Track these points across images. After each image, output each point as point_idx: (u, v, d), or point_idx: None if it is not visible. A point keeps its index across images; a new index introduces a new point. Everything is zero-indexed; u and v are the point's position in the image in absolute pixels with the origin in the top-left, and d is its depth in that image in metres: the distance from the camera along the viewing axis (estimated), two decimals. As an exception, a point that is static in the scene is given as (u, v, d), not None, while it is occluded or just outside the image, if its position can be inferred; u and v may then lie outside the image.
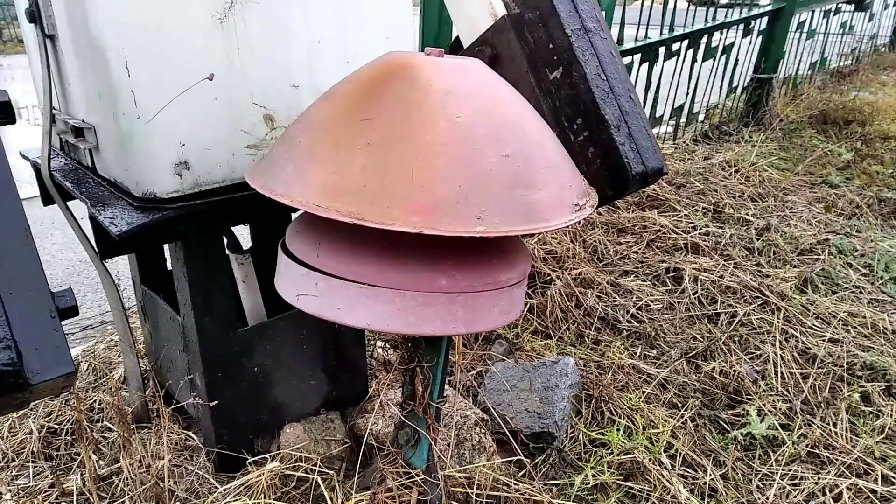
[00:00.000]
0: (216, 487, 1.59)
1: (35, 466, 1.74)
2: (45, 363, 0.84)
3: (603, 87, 1.34)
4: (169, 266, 1.62)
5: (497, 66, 1.39)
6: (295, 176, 1.09)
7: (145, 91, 1.24)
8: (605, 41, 1.39)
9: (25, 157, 1.68)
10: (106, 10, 1.19)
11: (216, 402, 1.58)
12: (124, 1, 1.18)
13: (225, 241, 1.56)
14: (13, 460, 1.76)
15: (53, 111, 1.50)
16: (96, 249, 1.60)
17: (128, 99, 1.24)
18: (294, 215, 1.58)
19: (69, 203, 1.56)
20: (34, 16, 1.39)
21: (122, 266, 2.60)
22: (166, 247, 1.56)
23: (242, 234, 1.71)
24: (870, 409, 2.08)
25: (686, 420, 2.03)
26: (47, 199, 1.57)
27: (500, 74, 1.37)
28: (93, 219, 1.41)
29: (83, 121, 1.43)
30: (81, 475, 1.65)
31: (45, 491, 1.64)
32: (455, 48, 1.53)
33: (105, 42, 1.21)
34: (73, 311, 0.92)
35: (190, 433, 1.78)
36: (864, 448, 1.90)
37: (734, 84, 5.06)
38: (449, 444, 1.70)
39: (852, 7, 5.07)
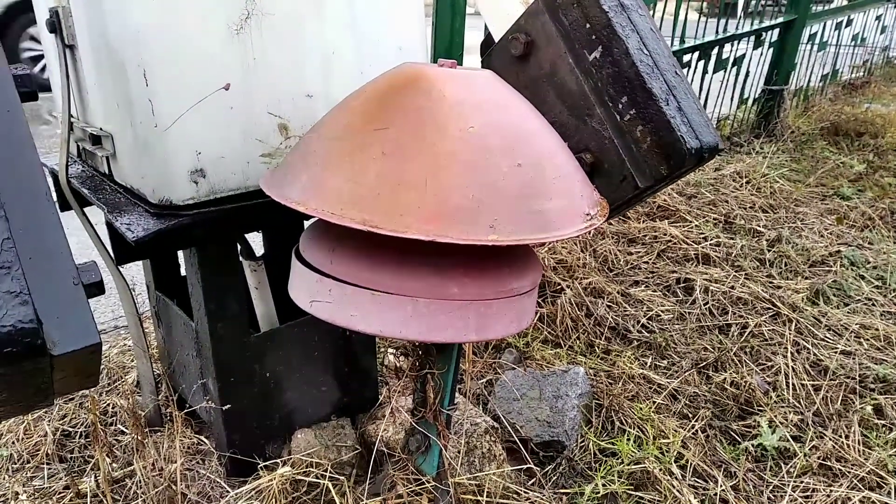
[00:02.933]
0: (228, 491, 1.60)
1: (50, 468, 1.76)
2: (68, 334, 0.76)
3: (647, 61, 1.27)
4: (183, 272, 1.65)
5: (533, 52, 1.36)
6: (310, 184, 1.10)
7: (163, 100, 1.26)
8: (643, 18, 1.33)
9: (43, 164, 1.70)
10: (126, 21, 1.21)
11: (228, 406, 1.60)
12: (144, 13, 1.21)
13: (239, 247, 1.58)
14: (28, 462, 1.78)
15: (71, 119, 1.52)
16: (112, 255, 1.63)
17: (145, 108, 1.26)
18: (307, 223, 1.60)
19: (85, 209, 1.58)
20: (54, 26, 1.42)
21: (136, 271, 2.62)
22: (180, 253, 1.58)
23: (255, 241, 1.73)
24: (883, 422, 2.07)
25: (697, 431, 2.02)
26: (64, 206, 1.59)
27: (537, 60, 1.34)
28: (109, 225, 1.44)
29: (101, 129, 1.46)
30: (95, 477, 1.67)
31: (60, 492, 1.66)
32: (486, 45, 1.50)
33: (124, 53, 1.24)
34: (98, 287, 0.85)
35: (202, 437, 1.79)
36: (876, 461, 1.89)
37: (745, 95, 5.05)
38: (459, 452, 1.70)
39: None
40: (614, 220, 3.38)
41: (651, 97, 1.25)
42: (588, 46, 1.30)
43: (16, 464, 1.78)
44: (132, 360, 2.19)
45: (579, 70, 1.32)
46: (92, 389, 2.04)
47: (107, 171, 1.52)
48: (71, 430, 1.89)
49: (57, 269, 0.78)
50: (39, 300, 0.75)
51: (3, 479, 1.72)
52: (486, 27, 1.59)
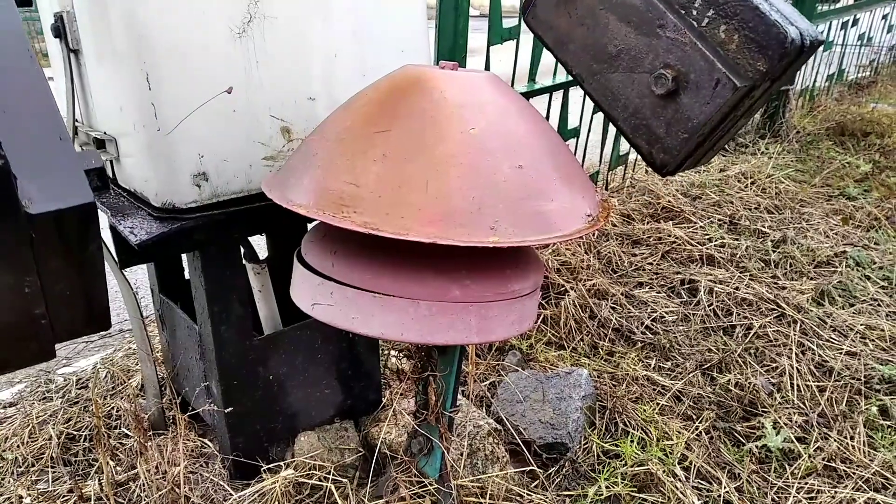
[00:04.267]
0: (231, 494, 1.60)
1: (54, 471, 1.77)
2: (49, 189, 0.60)
3: None
4: (187, 275, 1.65)
5: None
6: (311, 186, 1.11)
7: (166, 104, 1.27)
8: None
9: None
10: (130, 26, 1.22)
11: (231, 409, 1.60)
12: (147, 17, 1.21)
13: (242, 250, 1.58)
14: (33, 465, 1.78)
15: (76, 123, 1.53)
16: (116, 258, 1.63)
17: (148, 111, 1.27)
18: (310, 225, 1.60)
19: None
20: (59, 31, 1.42)
21: (140, 275, 2.64)
22: (184, 256, 1.58)
23: (259, 243, 1.73)
24: (888, 422, 2.06)
25: (701, 432, 2.01)
26: (69, 209, 1.60)
27: None
28: (113, 228, 1.44)
29: (105, 133, 1.46)
30: (99, 481, 1.67)
31: (64, 496, 1.66)
32: (526, 5, 1.42)
33: (127, 56, 1.24)
34: (100, 177, 0.68)
35: (205, 440, 1.79)
36: (882, 462, 1.88)
37: (750, 95, 5.03)
38: (462, 454, 1.70)
39: None
40: (618, 221, 3.38)
41: None
42: None
43: (20, 467, 1.78)
44: (136, 364, 2.20)
45: None
46: (96, 393, 2.05)
47: (111, 175, 1.52)
48: (75, 433, 1.90)
49: (38, 120, 0.63)
50: (9, 145, 0.58)
51: (8, 482, 1.73)
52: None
